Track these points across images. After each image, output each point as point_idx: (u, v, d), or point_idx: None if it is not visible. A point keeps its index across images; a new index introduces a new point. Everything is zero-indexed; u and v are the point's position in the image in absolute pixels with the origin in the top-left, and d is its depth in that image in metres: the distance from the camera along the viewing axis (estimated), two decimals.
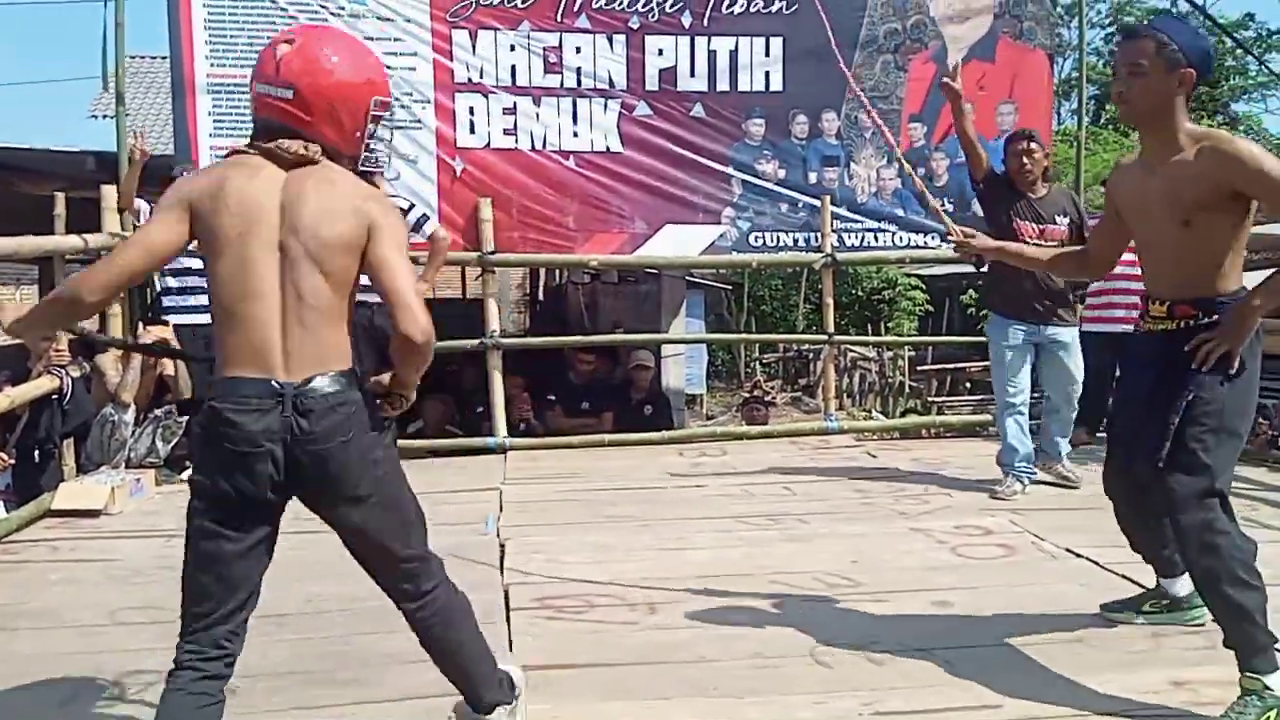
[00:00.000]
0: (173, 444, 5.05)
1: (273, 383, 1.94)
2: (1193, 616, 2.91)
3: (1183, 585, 2.89)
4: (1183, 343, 2.52)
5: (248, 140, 2.07)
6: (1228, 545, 2.43)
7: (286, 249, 1.97)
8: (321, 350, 1.98)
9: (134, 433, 4.89)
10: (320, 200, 1.99)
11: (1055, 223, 4.67)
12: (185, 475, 5.10)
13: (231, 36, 5.74)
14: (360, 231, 2.01)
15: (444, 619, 2.23)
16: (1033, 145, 4.70)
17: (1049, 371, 4.82)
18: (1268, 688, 2.35)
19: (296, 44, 2.04)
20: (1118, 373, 3.16)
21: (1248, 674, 2.38)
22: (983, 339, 5.37)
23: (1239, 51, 26.21)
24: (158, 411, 5.02)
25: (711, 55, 6.22)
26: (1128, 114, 2.57)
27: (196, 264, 5.08)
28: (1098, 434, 5.46)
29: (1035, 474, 4.80)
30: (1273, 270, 2.51)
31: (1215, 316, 2.51)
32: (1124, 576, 3.42)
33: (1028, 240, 4.51)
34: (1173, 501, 2.49)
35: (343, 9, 5.85)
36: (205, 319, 5.08)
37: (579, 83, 6.11)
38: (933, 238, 6.54)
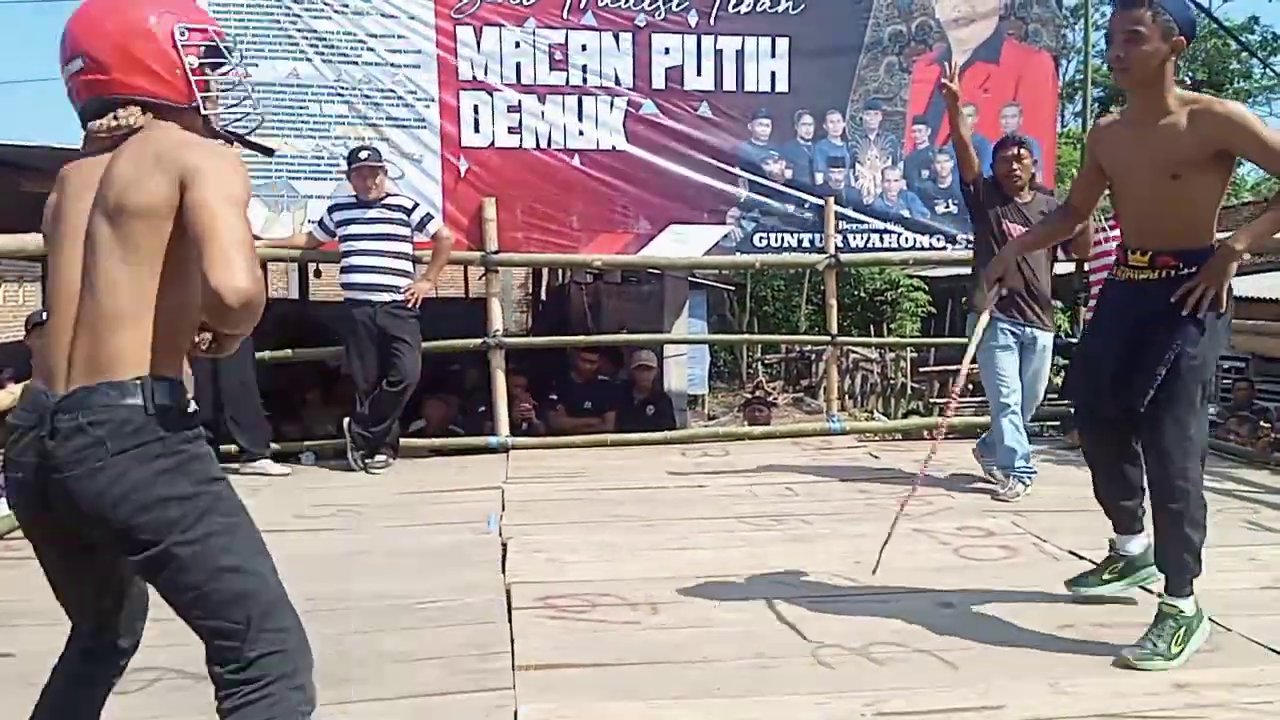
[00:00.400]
0: None
1: (43, 395, 1.67)
2: (1145, 576, 3.09)
3: (1137, 544, 3.09)
4: (1165, 292, 2.73)
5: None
6: (1196, 493, 2.73)
7: (91, 237, 1.69)
8: (103, 355, 1.65)
9: None
10: (126, 169, 1.69)
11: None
12: None
13: (235, 35, 5.73)
14: (171, 190, 1.65)
15: None
16: (1022, 152, 4.82)
17: (1023, 372, 4.86)
18: (1181, 612, 2.73)
19: (73, 17, 1.79)
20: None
21: (1168, 599, 2.76)
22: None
23: (1244, 55, 26.17)
24: None
25: (718, 54, 6.22)
26: (1124, 78, 2.73)
27: None
28: None
29: (1035, 473, 4.79)
30: (1261, 213, 2.75)
31: (1195, 267, 2.72)
32: None
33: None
34: (1159, 449, 2.72)
35: (346, 5, 5.84)
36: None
37: (584, 81, 6.10)
38: (937, 239, 6.54)
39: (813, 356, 16.26)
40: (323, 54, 5.84)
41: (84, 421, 1.62)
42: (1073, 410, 3.15)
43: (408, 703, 2.51)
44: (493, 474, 5.19)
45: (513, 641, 2.89)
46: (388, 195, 5.43)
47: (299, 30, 5.80)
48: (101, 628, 1.88)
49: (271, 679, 1.70)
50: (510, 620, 3.07)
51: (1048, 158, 6.66)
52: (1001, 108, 6.52)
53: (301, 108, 5.83)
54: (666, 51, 6.16)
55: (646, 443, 6.01)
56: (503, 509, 4.45)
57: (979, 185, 4.86)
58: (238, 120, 1.93)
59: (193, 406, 1.79)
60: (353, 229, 5.35)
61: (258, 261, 1.63)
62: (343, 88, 5.87)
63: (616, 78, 6.12)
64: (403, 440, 5.72)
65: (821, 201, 6.28)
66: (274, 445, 5.51)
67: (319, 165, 5.83)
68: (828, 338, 6.70)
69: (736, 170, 6.29)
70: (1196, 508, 2.73)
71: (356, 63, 5.87)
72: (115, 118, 1.73)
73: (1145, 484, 2.86)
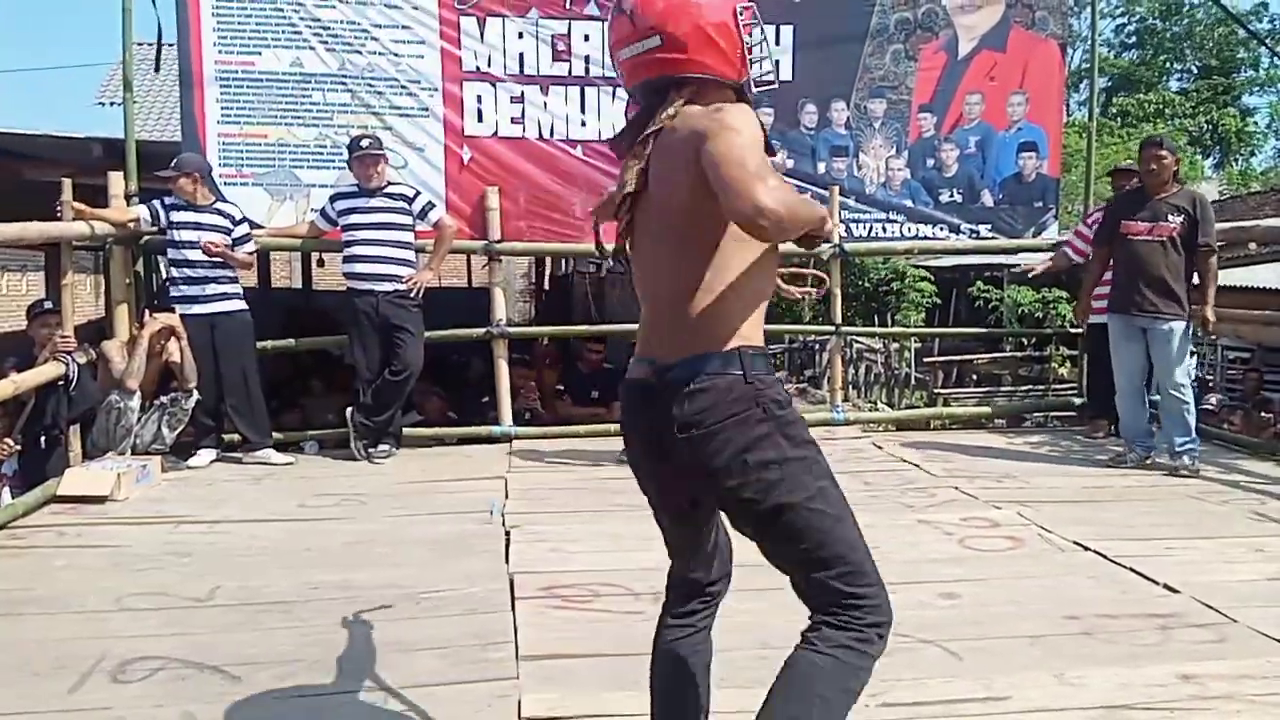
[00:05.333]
0: (178, 431, 5.05)
1: (653, 363, 1.80)
2: None
3: None
4: None
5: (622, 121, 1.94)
6: None
7: (657, 228, 1.82)
8: (703, 330, 1.75)
9: (140, 419, 4.89)
10: (662, 167, 1.80)
11: (1167, 220, 4.96)
12: (191, 462, 5.11)
13: (239, 24, 5.72)
14: (697, 169, 1.67)
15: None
16: (1161, 152, 5.06)
17: (1154, 363, 5.08)
18: None
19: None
20: None
21: None
22: (986, 330, 5.49)
23: (1252, 43, 26.00)
24: (164, 399, 5.02)
25: None
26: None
27: (198, 255, 5.09)
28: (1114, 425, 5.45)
29: (1155, 448, 5.11)
30: None
31: None
32: (1131, 569, 3.41)
33: (1134, 238, 5.00)
34: None
35: None
36: (205, 309, 5.12)
37: (587, 71, 6.07)
38: (941, 229, 6.51)
39: (816, 347, 16.23)
40: (327, 43, 5.82)
41: (696, 388, 1.71)
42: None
43: (411, 692, 2.50)
44: (496, 463, 5.19)
45: (516, 631, 2.89)
46: (389, 184, 5.42)
47: (303, 19, 5.78)
48: (696, 568, 1.98)
49: (864, 628, 1.79)
50: (513, 610, 3.07)
51: (1054, 146, 6.63)
52: (1008, 95, 6.49)
53: (305, 96, 5.82)
54: None
55: None
56: (506, 498, 4.45)
57: (1103, 222, 5.35)
58: (763, 76, 1.91)
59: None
60: (355, 218, 5.33)
61: (773, 179, 1.61)
62: (346, 77, 5.85)
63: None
64: (406, 430, 5.71)
65: (825, 191, 6.26)
66: (277, 434, 5.51)
67: (322, 154, 5.81)
68: (832, 328, 6.68)
69: None
70: None
71: (360, 52, 5.85)
72: (670, 105, 1.79)
73: None
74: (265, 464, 5.19)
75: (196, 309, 5.14)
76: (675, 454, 1.75)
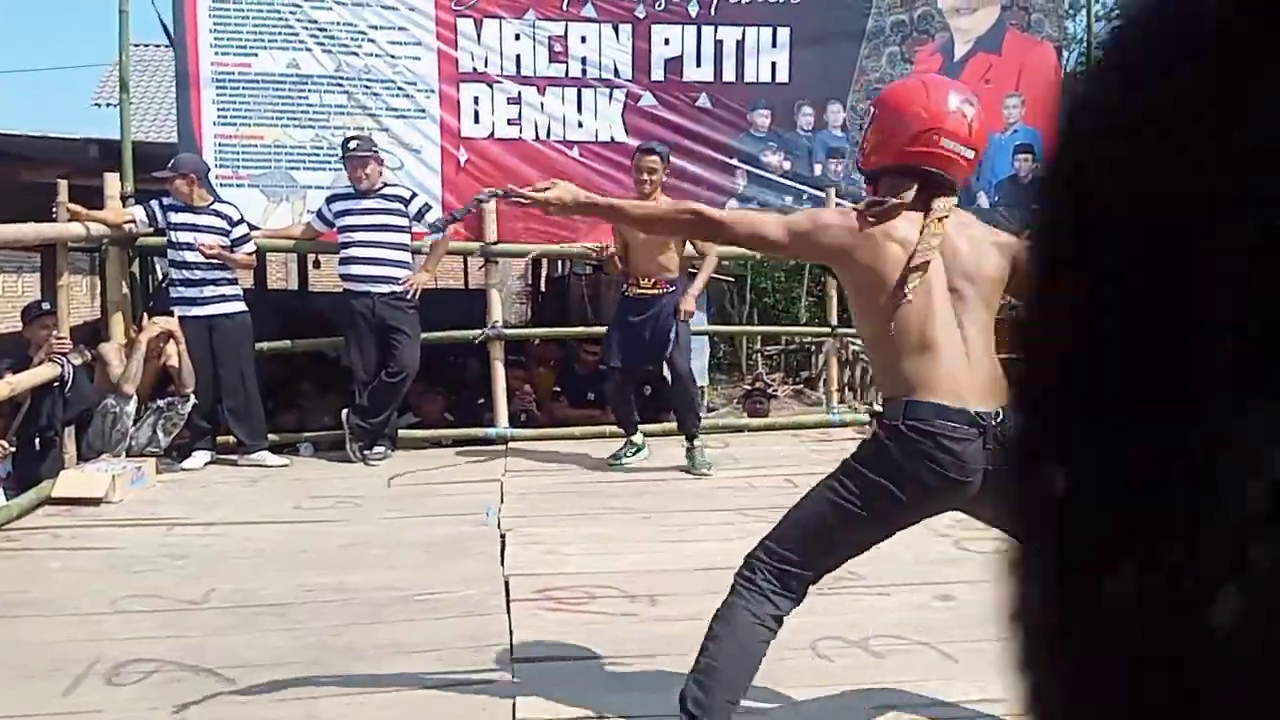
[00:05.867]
0: (173, 435, 5.04)
1: (974, 412, 2.03)
2: None
3: None
4: None
5: (907, 188, 2.11)
6: None
7: (957, 291, 2.11)
8: (1000, 382, 2.07)
9: (135, 423, 4.89)
10: (962, 243, 2.12)
11: None
12: (186, 464, 5.10)
13: (236, 25, 5.72)
14: (1004, 264, 2.11)
15: None
16: None
17: None
18: None
19: (977, 107, 2.14)
20: None
21: None
22: None
23: None
24: (160, 402, 5.01)
25: (718, 45, 6.19)
26: None
27: (196, 256, 5.09)
28: None
29: None
30: None
31: None
32: None
33: None
34: None
35: None
36: (204, 311, 5.12)
37: (584, 72, 6.08)
38: None
39: (813, 348, 16.25)
40: (323, 44, 5.82)
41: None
42: None
43: (405, 694, 2.50)
44: (492, 465, 5.18)
45: (511, 633, 2.89)
46: (385, 185, 5.41)
47: (299, 20, 5.78)
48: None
49: None
50: (508, 612, 3.07)
51: (1050, 149, 6.63)
52: (1004, 98, 6.49)
53: (301, 98, 5.81)
54: (666, 42, 6.14)
55: (646, 434, 5.99)
56: (501, 500, 4.44)
57: None
58: None
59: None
60: (351, 219, 5.33)
61: None
62: (343, 78, 5.85)
63: (616, 69, 6.10)
64: (402, 431, 5.71)
65: (821, 193, 6.26)
66: (272, 436, 5.50)
67: (318, 155, 5.80)
68: (828, 329, 6.69)
69: (735, 161, 6.27)
70: None
71: (357, 53, 5.85)
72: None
73: None
74: (260, 466, 5.18)
75: (195, 310, 5.14)
76: (975, 486, 2.03)
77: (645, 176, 4.86)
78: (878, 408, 2.78)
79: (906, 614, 3.04)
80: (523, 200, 2.40)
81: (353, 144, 5.31)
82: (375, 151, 5.39)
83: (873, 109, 2.27)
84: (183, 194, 5.13)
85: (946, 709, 2.44)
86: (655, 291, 4.99)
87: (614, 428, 6.10)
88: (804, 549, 2.12)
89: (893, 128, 2.11)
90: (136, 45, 5.85)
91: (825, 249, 2.18)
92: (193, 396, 5.01)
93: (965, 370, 2.06)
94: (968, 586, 3.28)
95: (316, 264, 12.60)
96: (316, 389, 7.54)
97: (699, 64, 6.18)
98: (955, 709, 2.44)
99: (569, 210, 2.34)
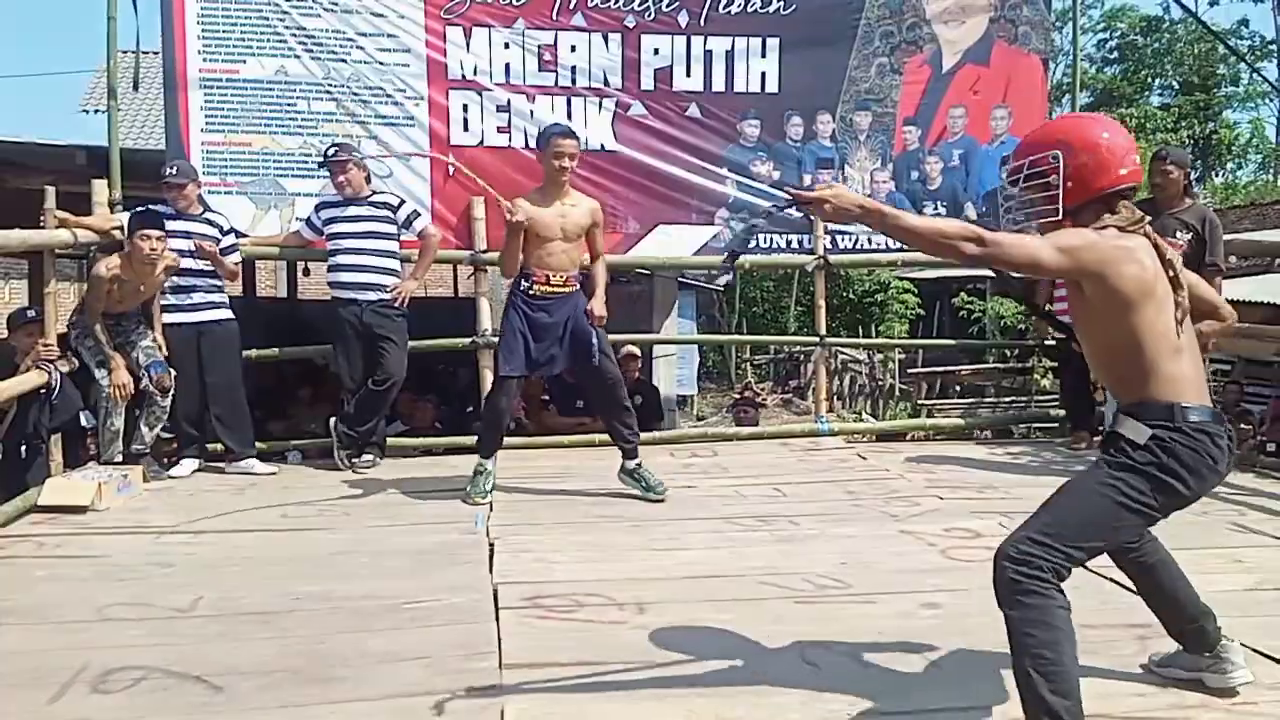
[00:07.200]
0: (156, 429, 5.00)
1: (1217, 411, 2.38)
2: None
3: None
4: None
5: (1115, 204, 2.37)
6: None
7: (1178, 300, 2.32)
8: None
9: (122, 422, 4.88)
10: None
11: (1175, 237, 4.84)
12: (174, 471, 5.08)
13: (224, 31, 5.72)
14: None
15: None
16: (1167, 166, 5.08)
17: None
18: None
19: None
20: None
21: None
22: (970, 341, 5.48)
23: (1232, 59, 26.27)
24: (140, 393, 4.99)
25: (708, 55, 6.22)
26: None
27: (188, 264, 5.08)
28: (1096, 436, 5.47)
29: None
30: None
31: None
32: (1112, 580, 3.42)
33: None
34: None
35: (335, 4, 5.83)
36: (193, 318, 5.10)
37: (574, 81, 6.10)
38: None
39: (801, 357, 16.29)
40: (311, 51, 5.82)
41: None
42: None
43: (393, 703, 2.50)
44: None
45: (499, 641, 2.89)
46: (374, 193, 5.42)
47: (287, 27, 5.78)
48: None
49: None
50: (497, 620, 3.06)
51: None
52: (991, 109, 6.54)
53: (290, 105, 5.82)
54: (656, 52, 6.16)
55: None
56: (490, 509, 4.44)
57: None
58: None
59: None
60: (339, 227, 5.33)
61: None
62: (331, 85, 5.85)
63: (605, 79, 6.12)
64: (390, 439, 5.70)
65: None
66: (260, 444, 5.48)
67: (306, 163, 5.80)
68: (817, 339, 6.71)
69: (724, 171, 6.29)
70: None
71: (345, 60, 5.86)
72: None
73: None
74: (248, 474, 5.17)
75: (183, 318, 5.13)
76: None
77: (567, 164, 4.54)
78: (1105, 410, 3.04)
79: (894, 622, 3.05)
80: (801, 203, 2.42)
81: (331, 150, 5.32)
82: (353, 155, 5.37)
83: (1051, 156, 2.37)
84: (189, 200, 5.15)
85: (933, 716, 2.45)
86: (567, 290, 4.59)
87: (603, 436, 6.11)
88: (1088, 541, 2.29)
89: (1094, 164, 2.34)
90: (125, 52, 5.81)
91: (1092, 265, 2.25)
92: (169, 379, 4.96)
93: (1200, 371, 2.34)
94: (954, 596, 3.29)
95: (306, 271, 12.61)
96: (305, 397, 7.54)
97: (689, 74, 6.20)
98: (940, 716, 2.45)
99: (849, 216, 2.27)
